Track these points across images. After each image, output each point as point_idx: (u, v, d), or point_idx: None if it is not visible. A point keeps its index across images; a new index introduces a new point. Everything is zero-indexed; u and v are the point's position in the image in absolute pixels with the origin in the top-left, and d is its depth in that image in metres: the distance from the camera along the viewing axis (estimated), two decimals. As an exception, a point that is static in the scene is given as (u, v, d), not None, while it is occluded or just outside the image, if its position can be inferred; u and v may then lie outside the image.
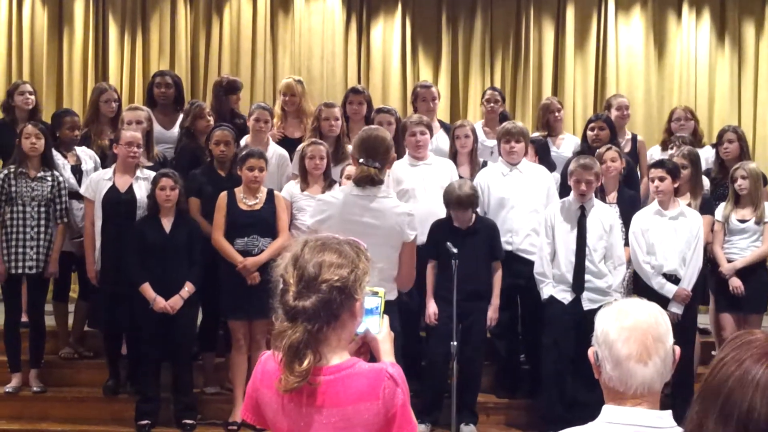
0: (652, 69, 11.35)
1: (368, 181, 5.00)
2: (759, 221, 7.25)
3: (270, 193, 7.00)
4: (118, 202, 7.05)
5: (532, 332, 7.23)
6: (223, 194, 6.93)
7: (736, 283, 7.23)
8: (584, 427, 2.38)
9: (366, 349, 2.71)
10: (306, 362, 2.44)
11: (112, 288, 7.01)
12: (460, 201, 6.78)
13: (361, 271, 2.55)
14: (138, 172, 7.17)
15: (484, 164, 7.80)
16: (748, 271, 7.27)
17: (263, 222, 6.87)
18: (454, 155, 7.69)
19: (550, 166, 7.83)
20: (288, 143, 7.85)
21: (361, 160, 5.05)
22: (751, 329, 1.82)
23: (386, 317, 2.74)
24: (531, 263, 7.05)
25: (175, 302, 6.80)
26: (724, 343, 1.78)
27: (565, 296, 6.81)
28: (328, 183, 7.21)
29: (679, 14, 11.39)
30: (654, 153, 8.51)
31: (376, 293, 2.67)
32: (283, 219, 6.95)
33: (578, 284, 6.77)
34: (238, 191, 6.94)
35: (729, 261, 7.31)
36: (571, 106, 11.16)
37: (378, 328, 2.70)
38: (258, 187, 6.94)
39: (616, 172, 7.42)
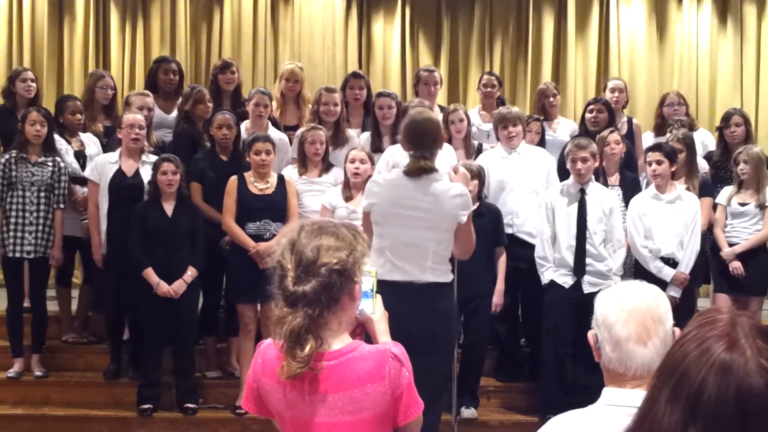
0: (653, 53, 11.32)
1: (421, 172, 4.97)
2: (760, 205, 7.27)
3: (281, 178, 7.00)
4: (124, 186, 7.06)
5: (533, 316, 7.24)
6: (233, 178, 6.92)
7: (735, 264, 7.25)
8: (584, 410, 2.38)
9: (361, 330, 2.73)
10: (308, 348, 2.44)
11: (118, 272, 7.03)
12: (467, 169, 6.82)
13: (359, 253, 2.55)
14: (144, 157, 7.18)
15: (479, 147, 7.83)
16: (749, 254, 7.27)
17: (275, 206, 6.85)
18: (448, 140, 7.67)
19: (542, 146, 7.90)
20: (283, 130, 7.85)
21: (410, 153, 5.03)
22: (718, 307, 1.80)
23: (379, 297, 2.75)
24: (532, 246, 7.06)
25: (179, 287, 6.81)
26: (690, 320, 1.77)
27: (566, 280, 6.81)
28: (326, 167, 7.24)
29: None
30: (647, 138, 8.51)
31: (368, 273, 2.67)
32: (293, 204, 6.93)
33: (579, 267, 6.78)
34: (248, 176, 6.93)
35: (730, 244, 7.33)
36: (572, 91, 11.19)
37: (372, 308, 2.72)
38: (267, 171, 6.93)
39: (618, 156, 7.45)
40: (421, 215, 4.90)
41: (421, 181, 4.98)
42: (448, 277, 5.07)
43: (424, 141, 5.02)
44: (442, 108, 8.57)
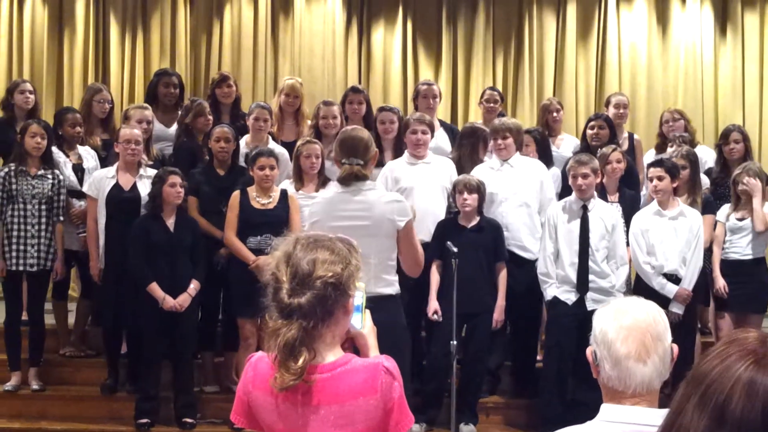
0: (654, 66, 11.28)
1: (353, 178, 5.02)
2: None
3: (283, 193, 6.98)
4: (121, 200, 7.06)
5: (523, 331, 7.23)
6: (236, 193, 6.92)
7: (720, 283, 7.23)
8: (583, 426, 2.37)
9: (349, 345, 2.71)
10: (301, 360, 2.43)
11: (116, 285, 7.01)
12: (467, 183, 6.85)
13: (353, 267, 2.56)
14: (141, 171, 7.18)
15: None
16: (747, 270, 7.25)
17: (277, 221, 6.74)
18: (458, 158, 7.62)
19: (549, 160, 7.82)
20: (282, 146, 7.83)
21: (343, 161, 5.08)
22: (747, 328, 1.81)
23: (368, 312, 2.74)
24: (524, 262, 7.06)
25: (184, 300, 6.80)
26: (721, 339, 1.77)
27: (569, 296, 6.78)
28: (322, 181, 7.21)
29: (681, 8, 11.29)
30: (649, 156, 8.46)
31: (358, 288, 2.65)
32: (296, 219, 6.88)
33: (582, 284, 6.75)
34: (251, 190, 6.93)
35: (730, 260, 7.29)
36: (573, 104, 11.13)
37: (361, 322, 2.70)
38: (270, 186, 6.93)
39: (619, 174, 7.43)
40: (357, 224, 4.88)
41: (353, 189, 5.02)
42: (393, 289, 5.04)
43: (355, 149, 5.05)
44: (443, 123, 8.56)
